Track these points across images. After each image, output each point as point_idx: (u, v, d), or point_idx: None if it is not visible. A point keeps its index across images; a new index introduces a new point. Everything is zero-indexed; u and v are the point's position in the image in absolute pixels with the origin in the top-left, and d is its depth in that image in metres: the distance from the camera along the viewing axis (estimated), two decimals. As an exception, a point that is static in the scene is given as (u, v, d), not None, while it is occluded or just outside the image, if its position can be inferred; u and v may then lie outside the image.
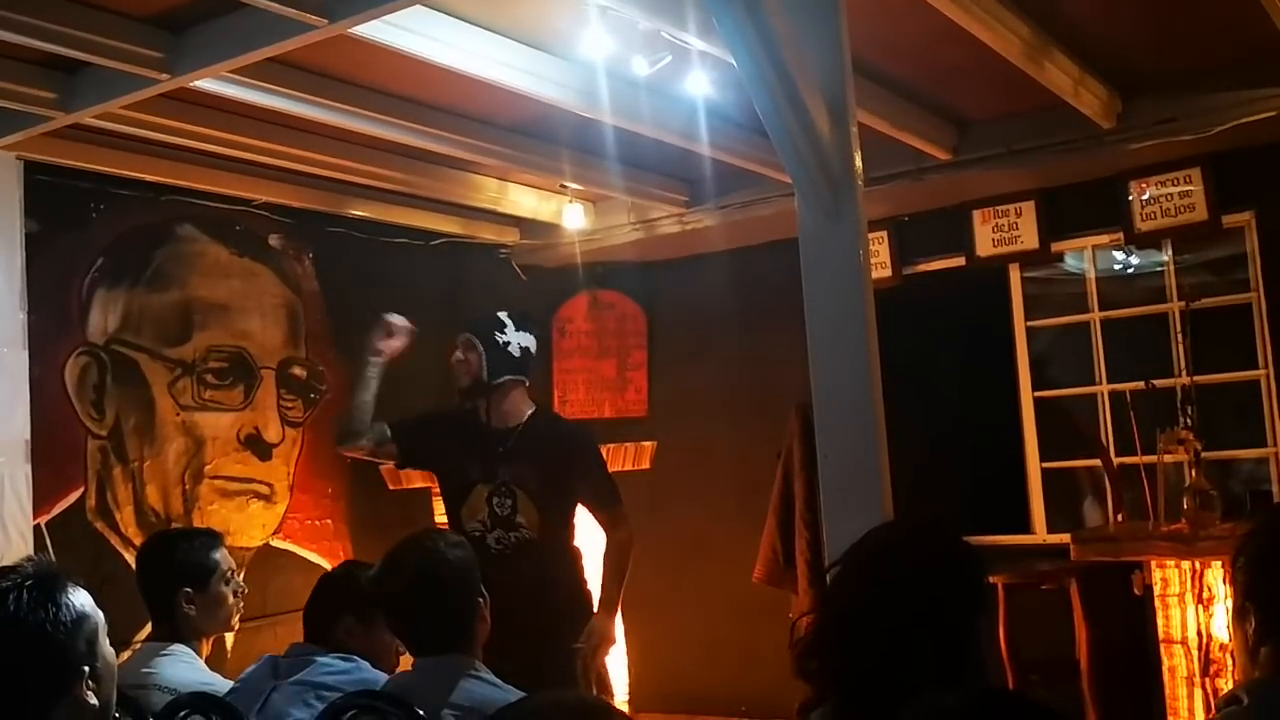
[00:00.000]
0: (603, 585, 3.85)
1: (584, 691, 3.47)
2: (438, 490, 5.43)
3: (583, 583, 3.88)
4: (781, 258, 4.13)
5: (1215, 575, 4.36)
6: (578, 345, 6.95)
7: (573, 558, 3.88)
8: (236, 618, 3.10)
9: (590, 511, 3.92)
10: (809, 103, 2.89)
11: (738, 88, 3.89)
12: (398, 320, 3.89)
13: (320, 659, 2.70)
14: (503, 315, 3.92)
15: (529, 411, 3.90)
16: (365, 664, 2.73)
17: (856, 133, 3.06)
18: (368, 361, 3.84)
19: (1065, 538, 5.00)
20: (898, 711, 1.39)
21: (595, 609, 3.82)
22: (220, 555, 3.03)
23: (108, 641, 1.81)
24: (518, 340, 3.87)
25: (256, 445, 5.53)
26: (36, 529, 4.60)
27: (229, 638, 5.03)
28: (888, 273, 6.12)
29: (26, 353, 4.58)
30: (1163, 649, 4.49)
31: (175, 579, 2.94)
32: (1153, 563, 4.54)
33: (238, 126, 4.55)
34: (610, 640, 3.79)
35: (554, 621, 3.68)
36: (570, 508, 3.87)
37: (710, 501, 6.55)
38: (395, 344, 3.88)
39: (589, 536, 4.05)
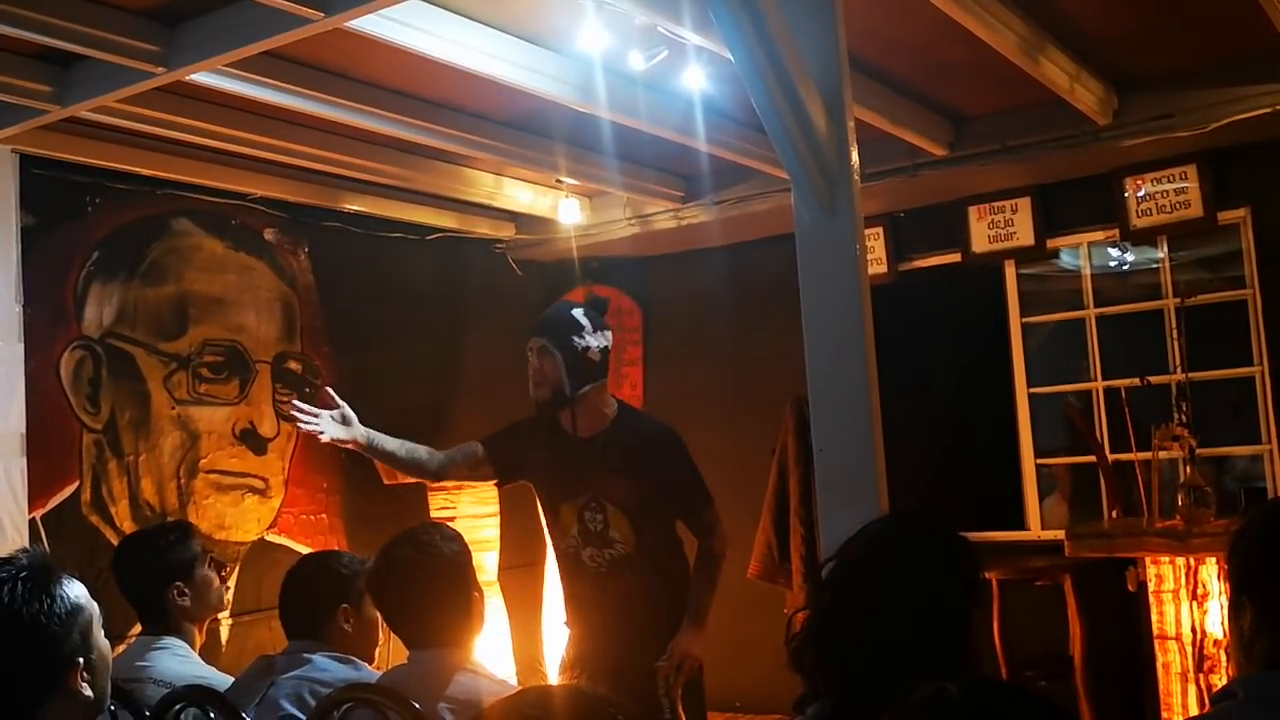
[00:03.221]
0: (691, 597, 3.55)
1: (582, 684, 3.45)
2: (435, 486, 5.48)
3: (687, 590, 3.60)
4: (777, 253, 4.14)
5: (1209, 571, 4.37)
6: (573, 340, 6.93)
7: (675, 565, 3.63)
8: (229, 594, 3.14)
9: (680, 518, 3.66)
10: (805, 98, 2.89)
11: (734, 83, 3.89)
12: (302, 415, 3.47)
13: (316, 658, 2.72)
14: (578, 314, 3.57)
15: (612, 416, 3.63)
16: (365, 666, 2.76)
17: (853, 128, 3.06)
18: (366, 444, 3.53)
19: (1060, 534, 5.01)
20: (893, 706, 1.40)
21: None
22: (196, 542, 3.10)
23: (102, 633, 1.81)
24: (598, 343, 3.54)
25: (252, 439, 5.52)
26: (31, 523, 4.59)
27: (224, 631, 5.04)
28: (883, 269, 6.13)
29: (22, 346, 4.57)
30: (1156, 645, 4.50)
31: (165, 576, 2.98)
32: (1147, 559, 4.54)
33: (234, 120, 4.54)
34: (695, 658, 3.48)
35: (654, 634, 3.47)
36: (665, 516, 3.61)
37: (705, 497, 6.54)
38: (328, 427, 3.47)
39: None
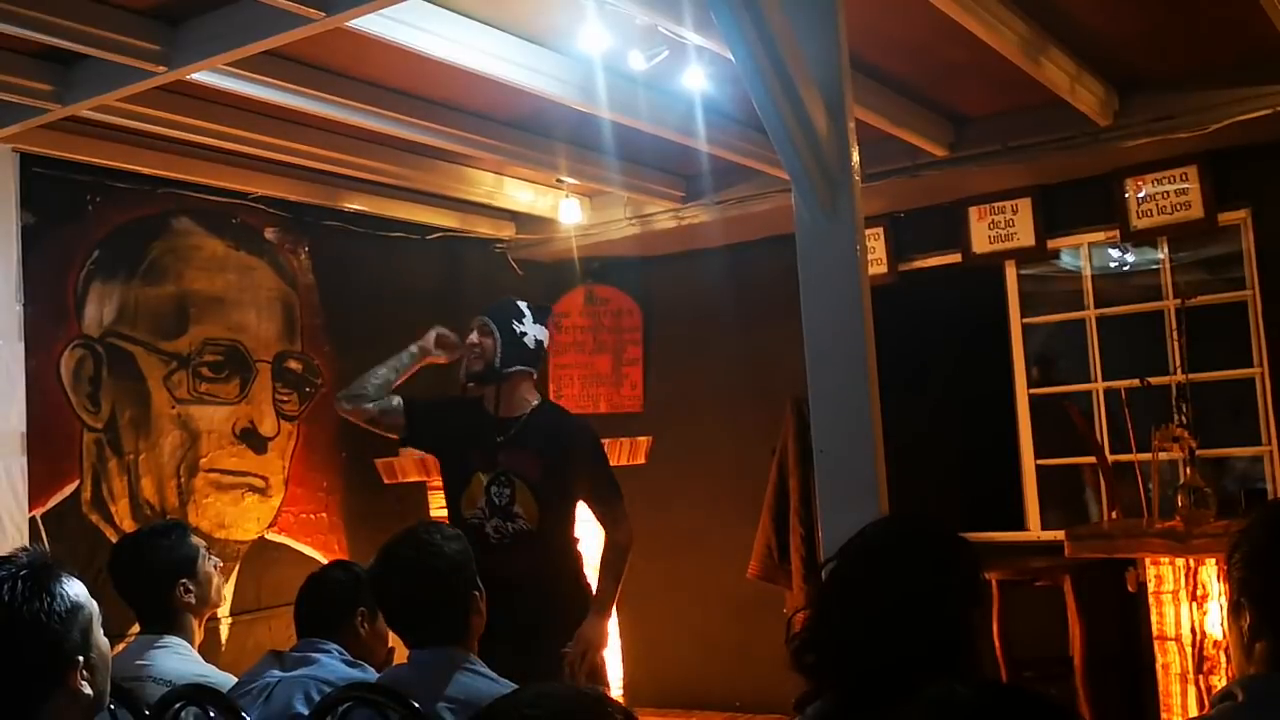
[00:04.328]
0: (597, 586, 3.79)
1: (579, 683, 3.47)
2: (434, 484, 5.48)
3: (583, 581, 3.82)
4: (778, 253, 4.14)
5: (1209, 572, 4.37)
6: (573, 340, 6.95)
7: (573, 554, 3.83)
8: (227, 588, 3.17)
9: (590, 508, 3.86)
10: (806, 98, 2.89)
11: (735, 83, 3.89)
12: (450, 337, 3.96)
13: (325, 658, 2.74)
14: (523, 305, 3.91)
15: (534, 402, 3.87)
16: (370, 670, 2.78)
17: (853, 128, 3.07)
18: (409, 348, 3.95)
19: (1060, 535, 5.01)
20: (893, 706, 1.39)
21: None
22: (195, 539, 3.15)
23: (102, 632, 1.81)
24: (534, 332, 3.86)
25: (252, 439, 5.52)
26: (31, 521, 4.60)
27: (224, 630, 5.04)
28: (884, 269, 6.13)
29: (22, 345, 4.58)
30: (1156, 646, 4.50)
31: (172, 574, 3.01)
32: (1147, 560, 4.55)
33: (234, 120, 4.55)
34: (600, 645, 3.72)
35: (550, 617, 3.64)
36: (570, 502, 3.82)
37: (705, 497, 6.56)
38: (439, 356, 3.97)
39: (590, 534, 3.99)
